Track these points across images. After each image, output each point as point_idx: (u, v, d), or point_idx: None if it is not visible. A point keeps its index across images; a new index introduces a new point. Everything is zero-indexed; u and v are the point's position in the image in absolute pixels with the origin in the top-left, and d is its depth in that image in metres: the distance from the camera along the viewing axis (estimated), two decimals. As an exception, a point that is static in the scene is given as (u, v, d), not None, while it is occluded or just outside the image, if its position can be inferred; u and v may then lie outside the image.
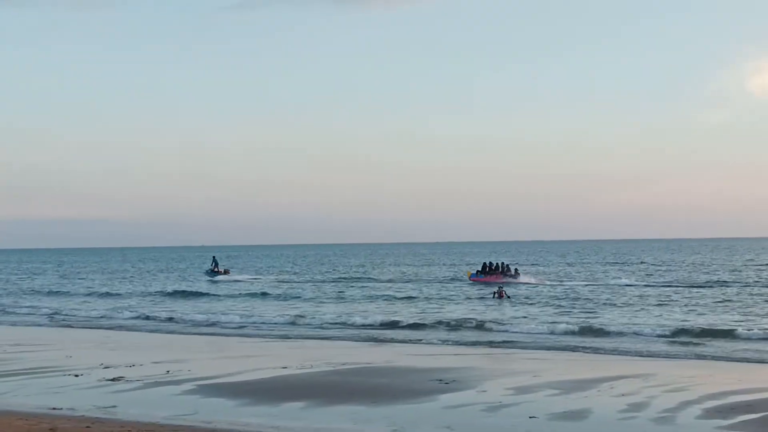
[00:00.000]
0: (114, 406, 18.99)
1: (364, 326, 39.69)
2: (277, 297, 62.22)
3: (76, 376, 23.72)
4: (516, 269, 75.35)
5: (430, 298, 56.96)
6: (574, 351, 30.08)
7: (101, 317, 48.16)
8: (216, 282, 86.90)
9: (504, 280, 69.93)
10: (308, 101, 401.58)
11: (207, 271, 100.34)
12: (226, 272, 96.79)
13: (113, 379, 22.94)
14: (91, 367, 25.33)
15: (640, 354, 29.17)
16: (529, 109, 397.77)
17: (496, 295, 54.28)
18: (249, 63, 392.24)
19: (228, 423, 17.02)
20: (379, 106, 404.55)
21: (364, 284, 76.86)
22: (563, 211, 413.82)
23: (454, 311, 47.03)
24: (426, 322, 40.97)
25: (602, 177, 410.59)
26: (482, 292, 61.57)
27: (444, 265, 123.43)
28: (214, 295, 65.85)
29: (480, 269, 75.96)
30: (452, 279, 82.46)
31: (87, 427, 16.05)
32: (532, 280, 73.33)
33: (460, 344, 32.59)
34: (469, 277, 76.40)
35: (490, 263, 76.05)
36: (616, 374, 23.39)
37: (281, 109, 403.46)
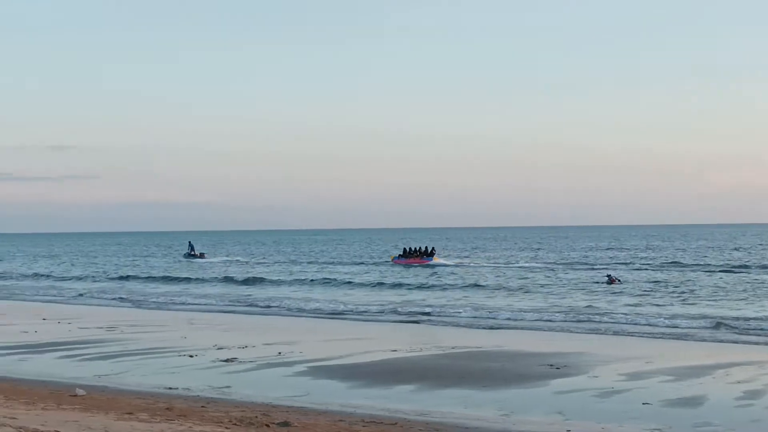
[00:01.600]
0: (228, 387, 19.35)
1: (482, 316, 39.14)
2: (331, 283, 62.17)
3: (191, 356, 24.22)
4: (432, 251, 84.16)
5: (544, 285, 56.38)
6: (683, 339, 29.51)
7: (208, 302, 48.96)
8: (193, 263, 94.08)
9: (422, 261, 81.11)
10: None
11: (184, 255, 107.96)
12: (201, 256, 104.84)
13: (227, 360, 23.36)
14: (205, 348, 25.83)
15: (754, 342, 28.48)
16: (626, 89, 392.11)
17: (608, 282, 53.84)
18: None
19: (340, 405, 17.19)
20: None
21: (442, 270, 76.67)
22: (669, 194, 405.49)
23: (564, 296, 46.65)
24: (531, 307, 40.75)
25: (707, 158, 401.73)
26: (592, 278, 60.90)
27: (545, 249, 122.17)
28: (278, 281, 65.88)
29: (401, 253, 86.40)
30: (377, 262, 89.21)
31: (202, 406, 16.36)
32: (448, 262, 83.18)
33: (571, 330, 32.27)
34: (393, 260, 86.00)
35: (410, 248, 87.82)
36: (730, 361, 22.93)
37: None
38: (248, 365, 22.66)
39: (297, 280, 65.96)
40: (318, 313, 40.43)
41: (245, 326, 34.44)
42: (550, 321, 35.39)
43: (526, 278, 62.13)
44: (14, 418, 13.12)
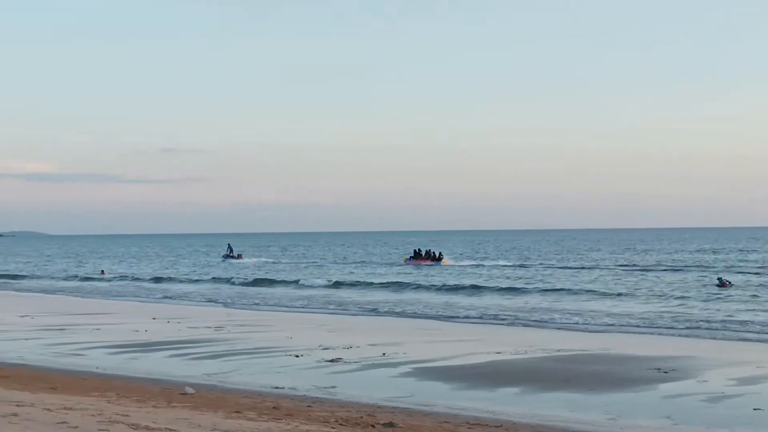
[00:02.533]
0: (333, 387, 19.49)
1: (586, 320, 38.71)
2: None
3: (297, 356, 24.47)
4: (440, 254, 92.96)
5: (649, 288, 55.48)
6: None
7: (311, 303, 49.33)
8: (232, 264, 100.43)
9: (430, 262, 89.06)
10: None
11: (223, 256, 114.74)
12: (239, 257, 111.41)
13: (332, 360, 23.54)
14: (310, 348, 26.06)
15: None
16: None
17: (719, 284, 52.81)
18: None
19: (444, 406, 17.19)
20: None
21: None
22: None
23: (672, 299, 45.88)
24: (639, 310, 40.18)
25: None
26: (700, 281, 59.76)
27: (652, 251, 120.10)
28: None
29: (412, 255, 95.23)
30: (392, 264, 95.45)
31: (308, 406, 16.52)
32: (452, 263, 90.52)
33: (679, 334, 31.72)
34: (405, 261, 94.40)
35: (420, 249, 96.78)
36: None
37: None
38: (353, 365, 22.80)
39: (391, 282, 65.13)
40: (418, 315, 40.40)
41: (349, 327, 34.64)
42: (656, 324, 34.79)
43: (629, 281, 61.34)
44: (127, 415, 13.43)
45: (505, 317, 38.55)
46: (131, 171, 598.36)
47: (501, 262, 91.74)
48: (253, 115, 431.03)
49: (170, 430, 12.21)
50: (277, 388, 19.29)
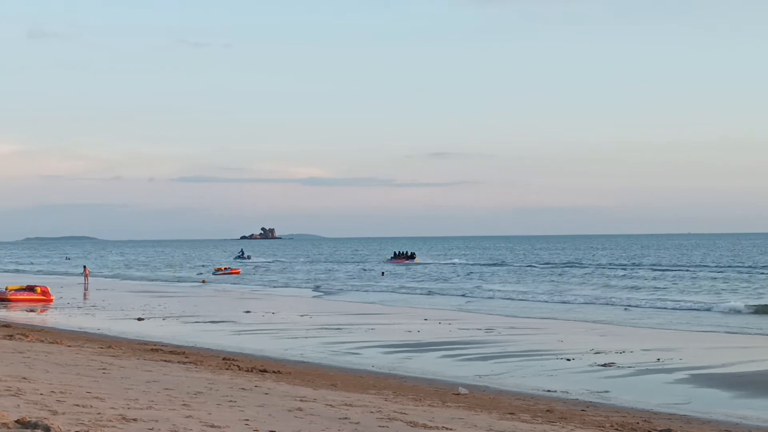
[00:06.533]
0: (606, 391, 19.26)
1: None
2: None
3: (568, 360, 24.30)
4: (413, 254, 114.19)
5: None
6: None
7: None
8: (245, 264, 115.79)
9: (407, 261, 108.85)
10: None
11: (235, 257, 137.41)
12: (248, 257, 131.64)
13: (604, 365, 23.21)
14: (582, 352, 25.80)
15: None
16: None
17: None
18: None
19: (724, 414, 16.64)
20: None
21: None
22: None
23: None
24: None
25: None
26: None
27: None
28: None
29: (392, 256, 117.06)
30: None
31: (582, 410, 16.40)
32: (428, 261, 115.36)
33: None
34: (387, 260, 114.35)
35: (399, 251, 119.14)
36: None
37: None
38: (626, 370, 22.40)
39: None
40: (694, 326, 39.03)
41: (622, 332, 33.92)
42: None
43: None
44: (404, 413, 13.77)
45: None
46: (402, 175, 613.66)
47: None
48: (521, 117, 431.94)
49: (447, 429, 12.42)
50: (549, 391, 19.25)
